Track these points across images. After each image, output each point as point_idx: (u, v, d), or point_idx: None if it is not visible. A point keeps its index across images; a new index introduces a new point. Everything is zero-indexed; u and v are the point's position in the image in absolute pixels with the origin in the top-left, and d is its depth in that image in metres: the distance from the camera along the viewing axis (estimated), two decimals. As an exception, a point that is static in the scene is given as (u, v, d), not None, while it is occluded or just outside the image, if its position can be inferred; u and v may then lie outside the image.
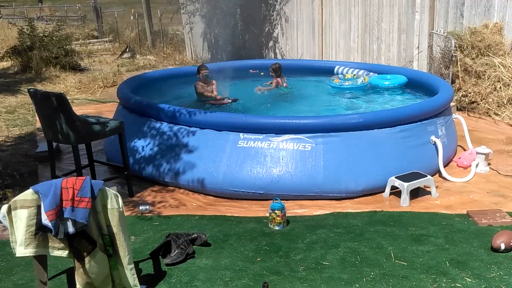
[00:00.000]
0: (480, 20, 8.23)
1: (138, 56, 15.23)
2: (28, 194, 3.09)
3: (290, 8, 11.74)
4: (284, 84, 7.93)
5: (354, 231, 4.36)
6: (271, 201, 4.55)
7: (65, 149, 6.63)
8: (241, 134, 5.25)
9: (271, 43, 12.45)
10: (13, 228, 3.11)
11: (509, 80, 7.54)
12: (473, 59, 7.89)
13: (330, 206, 4.92)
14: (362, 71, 8.24)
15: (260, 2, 12.33)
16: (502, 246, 3.89)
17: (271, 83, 7.97)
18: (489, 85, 7.66)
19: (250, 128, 5.25)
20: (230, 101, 7.18)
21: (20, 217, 3.08)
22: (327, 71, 8.62)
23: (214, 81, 7.52)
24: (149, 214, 4.84)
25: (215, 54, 13.35)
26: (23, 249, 3.09)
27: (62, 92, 5.36)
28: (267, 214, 4.56)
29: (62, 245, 3.18)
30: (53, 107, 4.67)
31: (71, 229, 3.10)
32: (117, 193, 3.24)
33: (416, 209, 4.82)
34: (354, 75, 8.03)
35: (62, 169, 5.95)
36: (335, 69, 8.64)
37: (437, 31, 8.65)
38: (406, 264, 3.80)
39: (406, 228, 4.39)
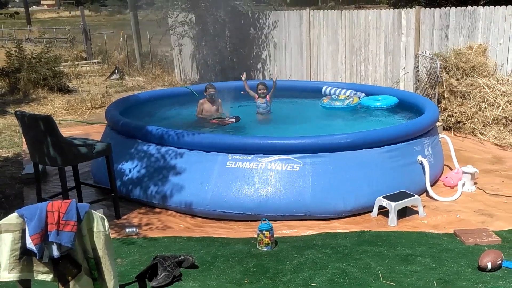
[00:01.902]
0: (465, 42, 8.38)
1: (126, 77, 15.24)
2: (12, 218, 3.06)
3: (278, 30, 11.85)
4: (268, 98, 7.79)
5: (342, 252, 4.35)
6: (259, 222, 4.53)
7: (51, 171, 6.58)
8: (229, 155, 5.25)
9: (259, 65, 12.53)
10: (-3, 252, 3.07)
11: (494, 100, 7.63)
12: (458, 80, 8.00)
13: (318, 227, 4.91)
14: (350, 91, 8.31)
15: (249, 24, 12.44)
16: (489, 266, 3.90)
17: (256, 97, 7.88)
18: (474, 105, 7.75)
19: (238, 149, 5.26)
20: (234, 120, 7.15)
21: (4, 241, 3.04)
22: (316, 91, 8.69)
23: (219, 100, 7.55)
24: (136, 237, 4.80)
25: (204, 75, 13.39)
26: (7, 273, 3.05)
27: (49, 114, 5.34)
28: (255, 235, 4.54)
29: (46, 269, 3.14)
30: (40, 130, 4.65)
31: (55, 253, 3.07)
32: (103, 216, 3.21)
33: (403, 229, 4.83)
34: (347, 96, 8.08)
35: (48, 191, 5.90)
36: (323, 90, 8.70)
37: (422, 52, 8.77)
38: (394, 284, 3.79)
39: (394, 248, 4.39)
